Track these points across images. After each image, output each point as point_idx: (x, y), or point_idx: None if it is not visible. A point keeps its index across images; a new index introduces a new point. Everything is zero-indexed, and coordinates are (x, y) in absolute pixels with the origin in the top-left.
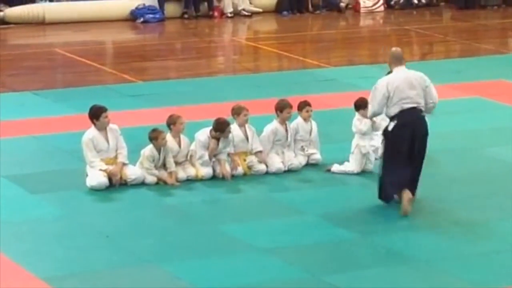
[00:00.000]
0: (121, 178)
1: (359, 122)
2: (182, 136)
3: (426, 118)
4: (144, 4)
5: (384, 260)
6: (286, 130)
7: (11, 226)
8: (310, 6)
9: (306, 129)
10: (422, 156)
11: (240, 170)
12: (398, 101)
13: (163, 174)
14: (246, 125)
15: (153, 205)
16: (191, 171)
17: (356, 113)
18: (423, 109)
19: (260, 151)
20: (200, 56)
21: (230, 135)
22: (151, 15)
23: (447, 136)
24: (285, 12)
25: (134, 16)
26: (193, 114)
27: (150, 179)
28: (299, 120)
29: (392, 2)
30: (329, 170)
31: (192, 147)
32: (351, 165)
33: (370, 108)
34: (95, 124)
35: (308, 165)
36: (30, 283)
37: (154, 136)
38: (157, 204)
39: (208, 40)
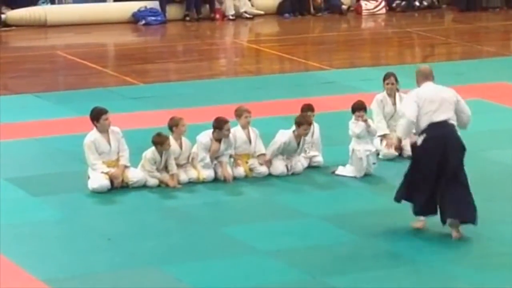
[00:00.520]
0: (122, 180)
1: (354, 125)
2: (183, 139)
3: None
4: (145, 7)
5: (386, 263)
6: (299, 143)
7: (12, 229)
8: (311, 8)
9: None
10: (461, 173)
11: (241, 171)
12: (427, 112)
13: (165, 177)
14: (250, 127)
15: (155, 208)
16: (192, 174)
17: (353, 116)
18: (455, 123)
19: (263, 154)
20: (202, 59)
21: (232, 136)
22: (152, 18)
23: None
24: (286, 15)
25: (136, 19)
26: (194, 117)
27: (152, 181)
28: None
29: (394, 5)
30: (333, 172)
31: (194, 149)
32: (351, 171)
33: (405, 117)
34: (96, 126)
35: (310, 167)
36: (31, 285)
37: (159, 141)
38: (159, 207)
39: (210, 42)
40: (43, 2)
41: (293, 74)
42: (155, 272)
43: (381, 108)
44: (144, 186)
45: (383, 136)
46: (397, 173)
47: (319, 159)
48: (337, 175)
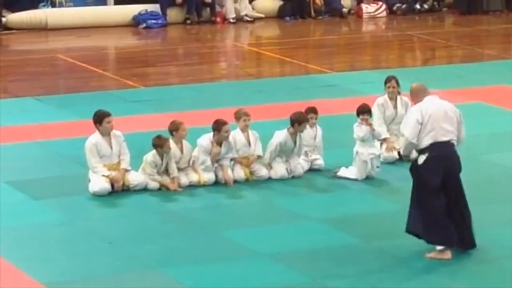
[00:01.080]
0: (123, 184)
1: (358, 128)
2: (184, 142)
3: None
4: (146, 10)
5: (386, 265)
6: (295, 142)
7: (13, 232)
8: (312, 11)
9: (311, 134)
10: (463, 197)
11: (242, 174)
12: (431, 130)
13: (166, 180)
14: (249, 130)
15: (156, 211)
16: (193, 177)
17: (358, 119)
18: (455, 144)
19: (259, 156)
20: (203, 62)
21: (231, 139)
22: (153, 21)
23: None
24: (287, 18)
25: (137, 22)
26: (195, 120)
27: (153, 184)
28: None
29: (395, 8)
30: (335, 173)
31: (195, 152)
32: (354, 173)
33: (405, 136)
34: (98, 129)
35: (311, 170)
36: None
37: (160, 144)
38: (160, 210)
39: (211, 45)
40: (43, 6)
41: (293, 77)
42: (156, 275)
43: (382, 112)
44: (144, 190)
45: (384, 140)
46: (398, 176)
47: (320, 162)
48: (339, 176)
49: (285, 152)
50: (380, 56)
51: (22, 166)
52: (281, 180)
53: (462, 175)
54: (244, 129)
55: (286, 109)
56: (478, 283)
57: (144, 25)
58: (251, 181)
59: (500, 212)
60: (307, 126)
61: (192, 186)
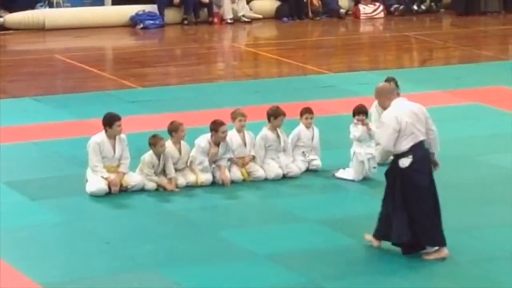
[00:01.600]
0: (121, 185)
1: (355, 128)
2: (182, 143)
3: None
4: (144, 10)
5: (384, 267)
6: (278, 136)
7: (11, 232)
8: (310, 12)
9: (308, 135)
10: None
11: (239, 175)
12: (410, 134)
13: (163, 180)
14: (245, 131)
15: (153, 212)
16: (191, 177)
17: (354, 119)
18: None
19: (253, 156)
20: (200, 62)
21: (229, 139)
22: (151, 21)
23: (446, 142)
24: (285, 18)
25: (134, 22)
26: (193, 120)
27: (150, 185)
28: (301, 126)
29: (392, 9)
30: (334, 175)
31: (192, 153)
32: (351, 173)
33: (379, 147)
34: (106, 131)
35: (308, 171)
36: None
37: (153, 142)
38: (157, 210)
39: (208, 46)
40: (41, 6)
41: (291, 78)
42: (154, 275)
43: (380, 113)
44: (142, 190)
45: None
46: None
47: (317, 162)
48: (337, 177)
49: (273, 149)
50: (378, 57)
51: (20, 166)
52: (278, 180)
53: (460, 175)
54: (239, 130)
55: (284, 110)
56: (475, 284)
57: (141, 25)
58: (248, 182)
59: (497, 214)
60: (304, 127)
61: (189, 187)
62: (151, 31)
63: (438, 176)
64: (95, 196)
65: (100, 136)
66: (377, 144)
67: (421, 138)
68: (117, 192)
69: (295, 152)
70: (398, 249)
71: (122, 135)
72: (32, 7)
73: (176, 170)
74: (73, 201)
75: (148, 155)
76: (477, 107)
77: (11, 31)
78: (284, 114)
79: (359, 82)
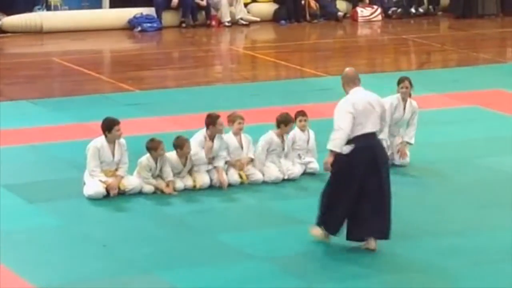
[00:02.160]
0: (119, 188)
1: None
2: (188, 157)
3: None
4: (141, 13)
5: (382, 269)
6: (283, 141)
7: (8, 235)
8: (307, 15)
9: (303, 138)
10: (388, 190)
11: (236, 177)
12: (359, 124)
13: (161, 184)
14: (242, 134)
15: (150, 214)
16: (188, 181)
17: None
18: (379, 134)
19: (252, 159)
20: (198, 65)
21: (226, 139)
22: (148, 24)
23: (444, 145)
24: (282, 21)
25: (132, 25)
26: (190, 123)
27: (148, 188)
28: (295, 129)
29: (390, 12)
30: None
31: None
32: None
33: (340, 131)
34: (106, 136)
35: (305, 174)
36: None
37: (154, 147)
38: (155, 214)
39: (206, 49)
40: (39, 9)
41: (288, 80)
42: (151, 278)
43: (392, 113)
44: (139, 193)
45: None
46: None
47: (314, 165)
48: None
49: (275, 153)
50: (375, 60)
51: (18, 169)
52: (275, 183)
53: (459, 178)
54: (237, 132)
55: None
56: (476, 286)
57: (139, 28)
58: (245, 185)
59: (496, 216)
60: (299, 130)
61: (187, 190)
62: (149, 34)
63: (437, 179)
64: (93, 199)
65: (100, 141)
66: (338, 128)
67: (369, 130)
68: (115, 195)
69: (292, 155)
70: (397, 251)
71: (122, 140)
72: (30, 10)
73: (175, 174)
74: (71, 204)
75: (145, 159)
76: (475, 110)
77: (9, 34)
78: (293, 121)
79: None
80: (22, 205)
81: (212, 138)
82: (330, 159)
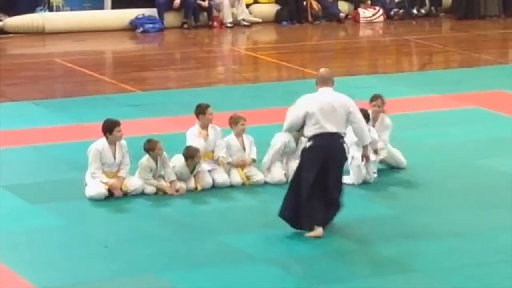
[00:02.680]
0: (121, 189)
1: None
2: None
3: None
4: (143, 14)
5: (382, 270)
6: (297, 143)
7: (10, 236)
8: (309, 16)
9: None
10: (338, 189)
11: (238, 179)
12: (315, 123)
13: (162, 184)
14: (244, 135)
15: (152, 215)
16: (191, 183)
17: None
18: (343, 136)
19: (254, 160)
20: (200, 66)
21: (228, 140)
22: (150, 25)
23: (446, 146)
24: (284, 22)
25: (134, 26)
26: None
27: (149, 189)
28: None
29: (392, 13)
30: None
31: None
32: (350, 178)
33: (285, 122)
34: (107, 137)
35: None
36: None
37: (151, 148)
38: (156, 214)
39: (208, 50)
40: (41, 10)
41: (290, 81)
42: (153, 279)
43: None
44: (141, 194)
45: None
46: (394, 182)
47: None
48: None
49: (286, 154)
50: (377, 61)
51: (19, 170)
52: (277, 185)
53: (460, 179)
54: (240, 134)
55: (283, 114)
56: (475, 286)
57: (141, 29)
58: (247, 186)
59: (497, 218)
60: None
61: (188, 191)
62: (150, 35)
63: (438, 179)
64: (94, 200)
65: (102, 143)
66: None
67: (327, 130)
68: (120, 196)
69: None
70: (397, 251)
71: (123, 141)
72: (31, 11)
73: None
74: (73, 205)
75: (145, 159)
76: (477, 111)
77: (10, 35)
78: None
79: (358, 86)
80: (23, 206)
81: (204, 128)
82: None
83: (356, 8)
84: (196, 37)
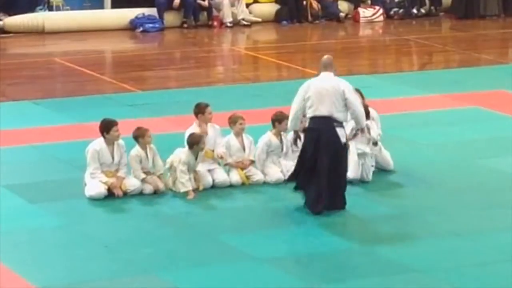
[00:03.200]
0: (120, 189)
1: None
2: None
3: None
4: (143, 14)
5: (383, 270)
6: (281, 141)
7: (10, 236)
8: (309, 15)
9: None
10: (335, 169)
11: (238, 178)
12: (311, 106)
13: (152, 180)
14: (243, 135)
15: (152, 215)
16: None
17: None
18: (339, 120)
19: (253, 161)
20: (200, 66)
21: (227, 141)
22: (150, 25)
23: (446, 146)
24: (284, 22)
25: (134, 26)
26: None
27: (148, 189)
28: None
29: (392, 12)
30: None
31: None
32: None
33: (291, 111)
34: (104, 137)
35: None
36: None
37: (140, 134)
38: (156, 214)
39: (208, 49)
40: (41, 9)
41: (290, 81)
42: (153, 279)
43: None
44: (140, 194)
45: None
46: (394, 181)
47: None
48: None
49: (275, 153)
50: (377, 60)
51: (19, 169)
52: (277, 184)
53: (460, 179)
54: (239, 133)
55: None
56: (475, 286)
57: (141, 29)
58: (247, 186)
59: (497, 217)
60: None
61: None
62: (150, 35)
63: (438, 179)
64: (94, 200)
65: (99, 143)
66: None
67: (321, 113)
68: (121, 196)
69: (293, 155)
70: (397, 251)
71: (121, 141)
72: (31, 10)
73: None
74: (72, 205)
75: (135, 149)
76: (476, 110)
77: (10, 34)
78: (287, 118)
79: (358, 86)
80: (23, 206)
81: (204, 127)
82: (290, 137)
83: (356, 7)
84: (196, 37)
